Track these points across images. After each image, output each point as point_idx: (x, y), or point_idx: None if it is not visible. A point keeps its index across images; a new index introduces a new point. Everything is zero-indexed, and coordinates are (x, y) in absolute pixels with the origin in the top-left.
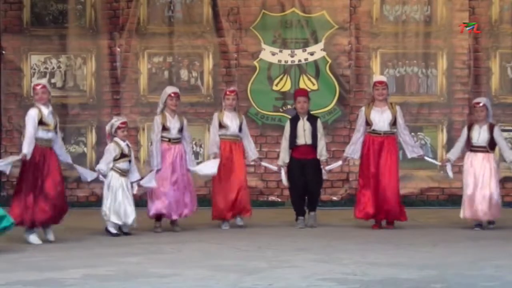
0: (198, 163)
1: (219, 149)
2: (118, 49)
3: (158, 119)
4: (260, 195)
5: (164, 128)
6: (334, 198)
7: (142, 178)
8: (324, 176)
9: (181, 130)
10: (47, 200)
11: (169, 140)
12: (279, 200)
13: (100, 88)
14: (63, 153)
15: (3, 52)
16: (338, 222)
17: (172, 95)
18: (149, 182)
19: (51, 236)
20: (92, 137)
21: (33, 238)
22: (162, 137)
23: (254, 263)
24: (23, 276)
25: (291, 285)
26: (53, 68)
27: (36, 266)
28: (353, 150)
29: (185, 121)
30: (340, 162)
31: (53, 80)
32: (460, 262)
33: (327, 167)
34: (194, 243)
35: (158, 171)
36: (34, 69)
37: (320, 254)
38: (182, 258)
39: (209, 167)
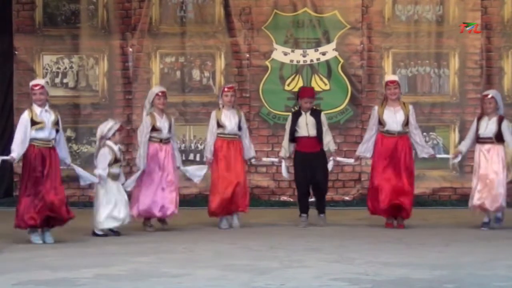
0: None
1: (212, 154)
2: (130, 49)
3: (147, 120)
4: (272, 195)
5: (154, 129)
6: (346, 198)
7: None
8: (330, 168)
9: (170, 129)
10: (43, 203)
11: (161, 140)
12: (291, 200)
13: (112, 88)
14: (63, 152)
15: (16, 52)
16: (350, 222)
17: (160, 94)
18: (130, 185)
19: (49, 239)
20: None
21: (34, 238)
22: (152, 137)
23: (265, 263)
24: (35, 276)
25: (303, 285)
26: (66, 68)
27: (48, 266)
28: (366, 149)
29: (172, 120)
30: (352, 160)
31: (65, 80)
32: (472, 262)
33: (338, 158)
34: (206, 242)
35: (143, 171)
36: (47, 69)
37: (332, 254)
38: (194, 257)
39: (197, 172)
